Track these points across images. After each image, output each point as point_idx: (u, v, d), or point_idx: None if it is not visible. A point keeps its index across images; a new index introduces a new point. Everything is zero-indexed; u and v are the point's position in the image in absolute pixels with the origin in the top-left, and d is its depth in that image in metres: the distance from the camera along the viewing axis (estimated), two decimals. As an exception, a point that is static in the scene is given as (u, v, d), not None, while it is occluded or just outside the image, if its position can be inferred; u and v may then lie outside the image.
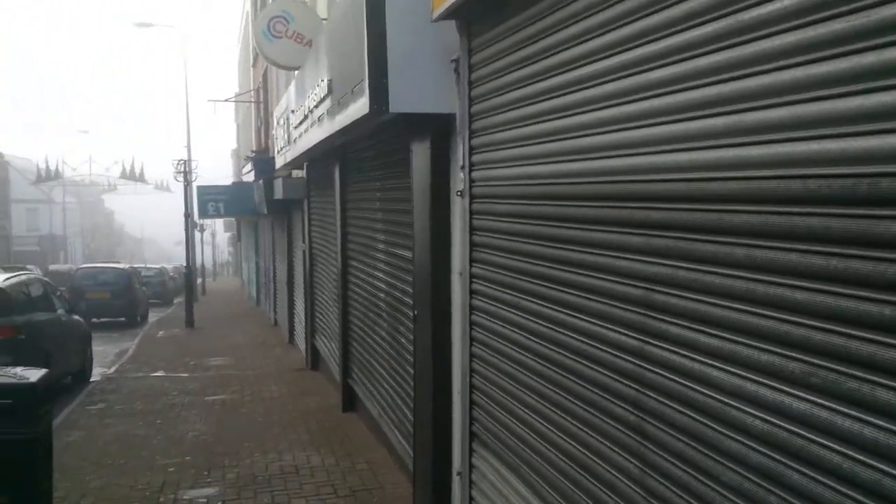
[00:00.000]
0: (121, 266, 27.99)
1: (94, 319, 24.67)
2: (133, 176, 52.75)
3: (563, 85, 3.62)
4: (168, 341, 19.62)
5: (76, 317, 14.38)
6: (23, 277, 12.53)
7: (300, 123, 9.63)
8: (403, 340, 7.08)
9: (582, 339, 3.58)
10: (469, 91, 4.95)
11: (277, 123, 13.44)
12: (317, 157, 11.18)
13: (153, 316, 27.40)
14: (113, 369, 15.10)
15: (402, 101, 5.36)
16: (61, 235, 64.89)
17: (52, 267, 46.14)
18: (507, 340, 4.51)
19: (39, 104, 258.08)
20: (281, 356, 16.04)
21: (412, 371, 6.57)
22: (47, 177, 51.47)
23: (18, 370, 6.27)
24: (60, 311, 13.48)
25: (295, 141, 10.40)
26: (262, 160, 19.76)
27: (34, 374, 6.21)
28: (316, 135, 8.23)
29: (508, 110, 4.33)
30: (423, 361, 6.17)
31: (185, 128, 40.20)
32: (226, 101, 25.28)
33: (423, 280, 6.06)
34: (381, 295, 8.11)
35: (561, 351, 3.80)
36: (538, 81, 3.89)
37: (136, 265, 35.54)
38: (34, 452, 5.95)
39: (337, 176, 9.95)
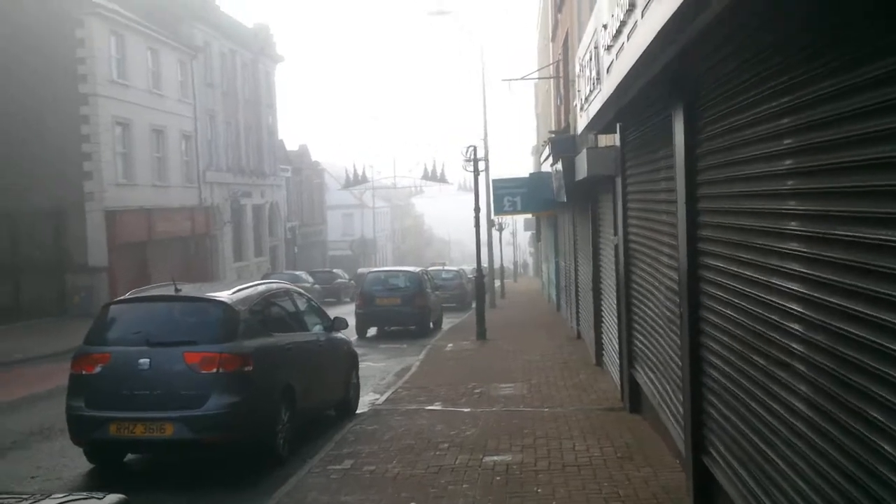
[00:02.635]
0: (412, 269, 25.79)
1: (385, 328, 22.77)
2: (434, 177, 52.07)
3: None
4: (455, 357, 16.69)
5: (338, 335, 11.55)
6: (261, 288, 9.70)
7: (617, 33, 5.83)
8: (888, 448, 2.98)
9: None
10: None
11: (580, 71, 9.74)
12: (639, 103, 7.24)
13: (448, 322, 24.98)
14: (384, 397, 12.26)
15: None
16: (371, 239, 66.71)
17: (359, 270, 46.61)
18: None
19: (341, 108, 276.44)
20: (586, 385, 12.31)
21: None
22: (355, 181, 52.34)
23: None
24: (317, 330, 10.74)
25: (608, 71, 6.60)
26: (561, 140, 16.39)
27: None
28: (651, 24, 4.36)
29: None
30: None
31: (482, 123, 38.32)
32: (521, 78, 22.28)
33: None
34: (795, 328, 4.03)
35: None
36: None
37: (429, 267, 33.46)
38: None
39: (679, 120, 5.98)
